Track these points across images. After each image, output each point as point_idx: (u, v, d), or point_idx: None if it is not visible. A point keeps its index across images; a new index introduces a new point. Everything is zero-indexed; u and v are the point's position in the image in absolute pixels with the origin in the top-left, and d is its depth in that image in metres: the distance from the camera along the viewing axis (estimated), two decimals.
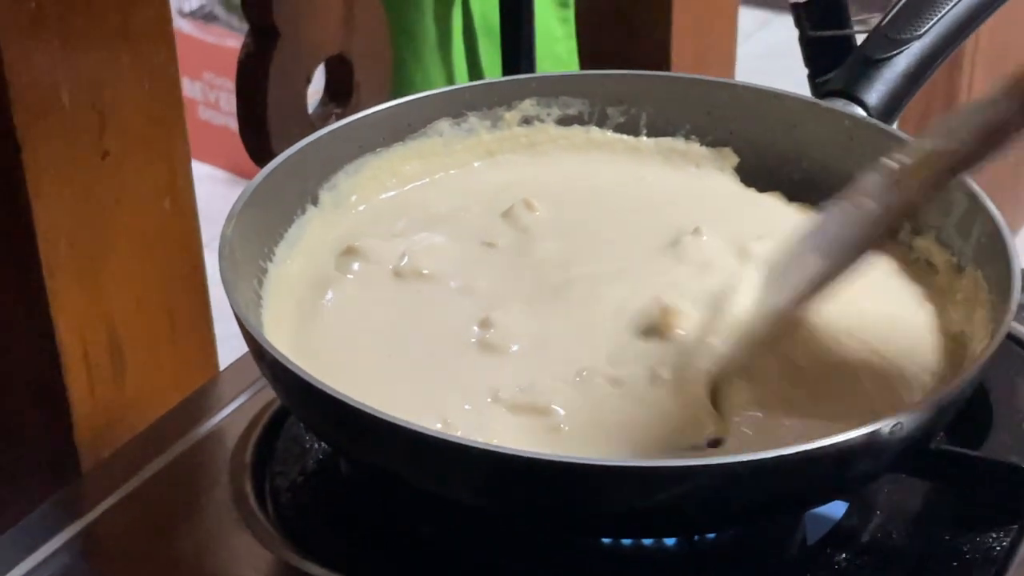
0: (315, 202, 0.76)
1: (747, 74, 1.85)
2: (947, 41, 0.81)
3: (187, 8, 2.65)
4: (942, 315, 0.70)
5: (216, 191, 2.54)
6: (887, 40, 0.80)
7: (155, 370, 0.90)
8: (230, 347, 0.83)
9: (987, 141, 0.61)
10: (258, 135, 0.99)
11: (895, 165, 0.64)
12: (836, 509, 0.68)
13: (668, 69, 1.23)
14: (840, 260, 0.65)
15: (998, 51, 2.08)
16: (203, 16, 2.62)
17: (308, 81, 1.01)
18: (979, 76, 2.03)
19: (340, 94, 1.04)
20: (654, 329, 0.67)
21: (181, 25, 2.64)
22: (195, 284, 0.91)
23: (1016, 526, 0.65)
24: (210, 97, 2.62)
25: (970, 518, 0.67)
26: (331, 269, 0.72)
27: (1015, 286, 0.64)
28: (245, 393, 0.77)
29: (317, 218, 0.75)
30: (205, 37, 2.58)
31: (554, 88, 0.82)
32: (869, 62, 0.80)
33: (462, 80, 1.11)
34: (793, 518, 0.66)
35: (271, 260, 0.72)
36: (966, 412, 0.68)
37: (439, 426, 0.61)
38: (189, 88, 2.64)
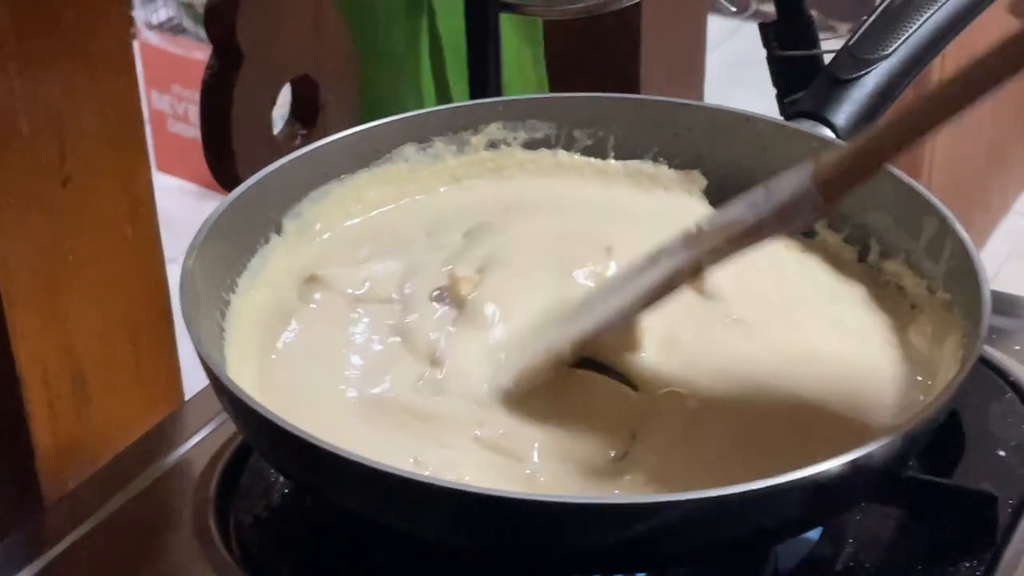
0: (279, 231, 0.75)
1: (717, 84, 1.85)
2: (914, 61, 0.80)
3: (155, 20, 2.64)
4: (910, 342, 0.69)
5: (185, 203, 2.53)
6: (855, 60, 0.80)
7: (119, 400, 0.89)
8: (198, 373, 0.82)
9: (779, 221, 0.63)
10: (223, 157, 0.98)
11: (693, 231, 0.65)
12: (809, 537, 0.67)
13: (637, 88, 1.22)
14: (632, 306, 0.66)
15: (966, 54, 2.09)
16: (171, 28, 2.61)
17: (273, 102, 1.00)
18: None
19: (306, 115, 1.03)
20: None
21: (149, 37, 2.63)
22: (159, 311, 0.90)
23: (989, 554, 0.65)
24: (179, 110, 2.60)
25: (943, 546, 0.66)
26: (294, 299, 0.71)
27: (985, 311, 0.64)
28: (211, 424, 0.76)
29: (281, 247, 0.74)
30: (173, 49, 2.57)
31: (520, 112, 0.81)
32: (837, 82, 0.80)
33: (430, 99, 1.10)
34: (765, 549, 0.66)
35: (234, 291, 0.71)
36: (939, 438, 0.67)
37: (411, 462, 0.61)
38: (158, 101, 2.63)
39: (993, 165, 2.38)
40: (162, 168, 2.67)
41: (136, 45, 2.69)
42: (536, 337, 0.67)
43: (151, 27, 2.63)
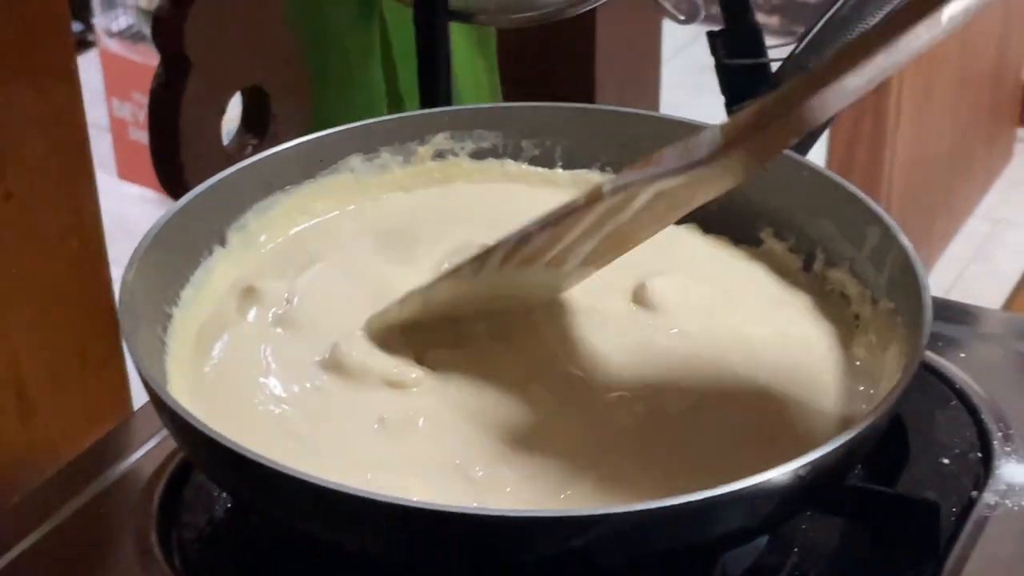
0: (223, 243, 0.74)
1: (676, 90, 1.85)
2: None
3: (115, 28, 2.62)
4: (854, 352, 0.69)
5: (145, 211, 2.52)
6: (801, 68, 0.80)
7: (65, 413, 0.88)
8: None
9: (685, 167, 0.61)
10: (171, 167, 0.98)
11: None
12: (755, 546, 0.67)
13: (592, 96, 1.22)
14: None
15: (925, 70, 2.10)
16: (131, 36, 2.59)
17: (222, 112, 0.99)
18: (907, 96, 2.04)
19: (257, 125, 1.03)
20: None
21: (109, 45, 2.61)
22: (106, 323, 0.89)
23: (932, 563, 0.65)
24: (140, 117, 2.59)
25: (887, 554, 0.66)
26: (232, 312, 0.71)
27: (926, 320, 0.64)
28: (156, 437, 0.75)
29: (225, 259, 0.74)
30: (133, 57, 2.55)
31: (467, 121, 0.81)
32: None
33: (382, 109, 1.09)
34: (711, 559, 0.66)
35: (176, 304, 0.70)
36: (884, 445, 0.67)
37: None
38: (119, 108, 2.61)
39: (955, 169, 2.40)
40: (123, 176, 2.66)
41: (96, 53, 2.68)
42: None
43: (111, 35, 2.61)
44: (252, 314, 0.71)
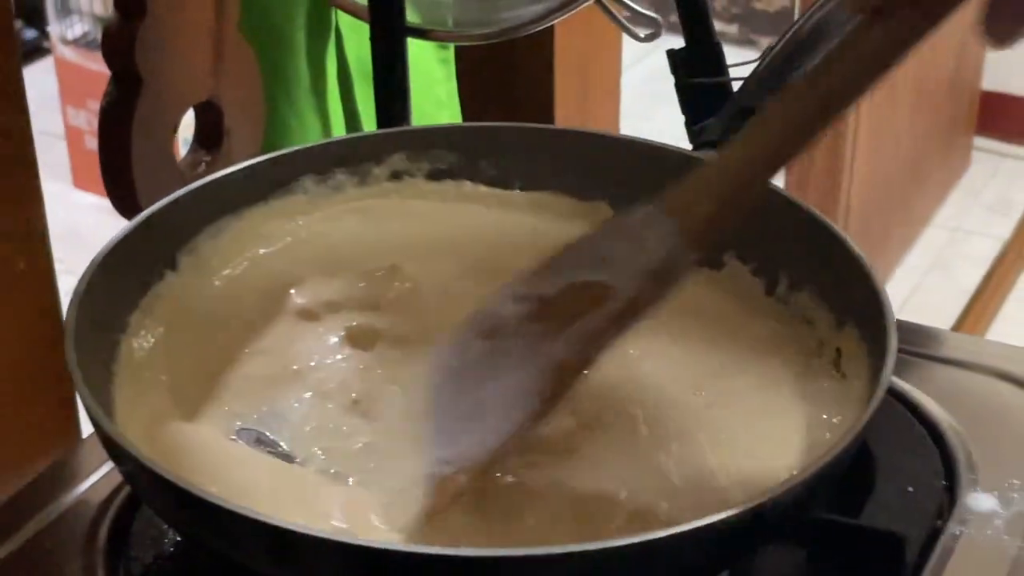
0: (173, 267, 0.72)
1: (637, 99, 1.85)
2: None
3: (70, 36, 2.60)
4: (817, 379, 0.68)
5: (101, 220, 2.48)
6: (762, 88, 0.79)
7: (10, 439, 0.86)
8: None
9: (656, 287, 0.57)
10: (123, 185, 0.95)
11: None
12: None
13: (552, 111, 1.21)
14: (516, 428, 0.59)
15: (882, 92, 2.10)
16: (86, 44, 2.57)
17: (175, 129, 0.97)
18: (865, 105, 2.04)
19: (210, 141, 1.01)
20: None
21: (64, 53, 2.58)
22: (54, 345, 0.86)
23: None
24: (95, 125, 2.54)
25: None
26: (188, 343, 0.69)
27: (891, 347, 0.63)
28: (105, 466, 0.74)
29: (176, 284, 0.72)
30: (89, 65, 2.53)
31: (424, 142, 0.79)
32: (744, 111, 0.79)
33: (338, 125, 1.08)
34: None
35: (124, 332, 0.68)
36: (850, 472, 0.66)
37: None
38: (74, 117, 2.59)
39: (912, 179, 2.40)
40: (79, 185, 2.63)
41: (51, 60, 2.65)
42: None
43: (66, 42, 2.59)
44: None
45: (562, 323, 0.57)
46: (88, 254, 0.90)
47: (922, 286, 2.38)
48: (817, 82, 0.55)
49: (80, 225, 2.04)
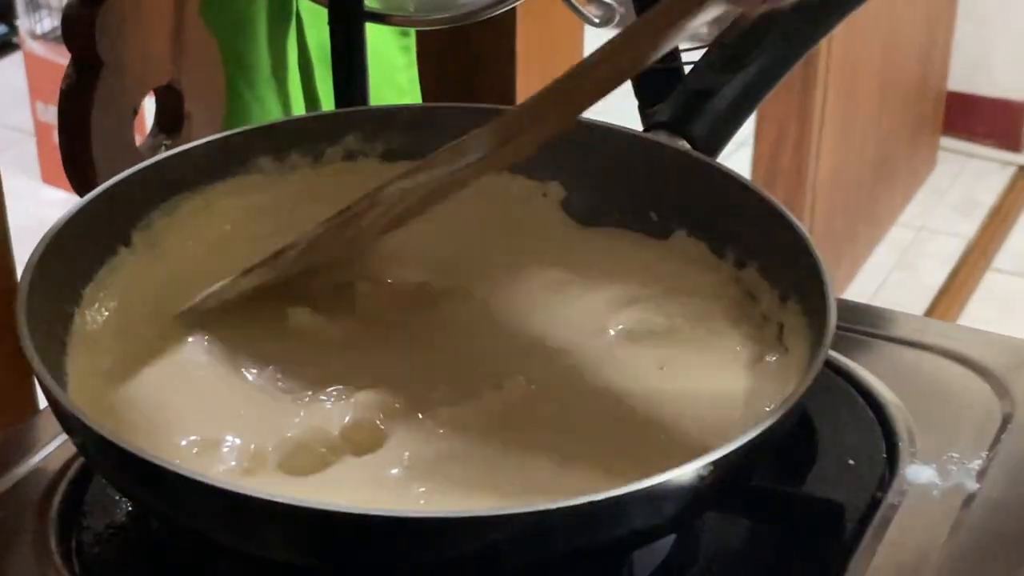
0: (127, 243, 0.73)
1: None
2: (770, 74, 0.81)
3: (39, 31, 2.59)
4: (762, 353, 0.69)
5: None
6: (711, 73, 0.80)
7: None
8: None
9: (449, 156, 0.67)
10: (82, 168, 0.96)
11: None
12: (662, 545, 0.67)
13: (513, 97, 1.22)
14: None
15: (849, 78, 2.12)
16: (55, 38, 2.57)
17: (135, 112, 0.98)
18: (831, 104, 2.06)
19: (170, 124, 1.01)
20: None
21: (33, 47, 2.58)
22: (9, 323, 0.87)
23: (837, 561, 0.65)
24: None
25: (793, 554, 0.66)
26: (143, 320, 0.70)
27: (830, 320, 0.64)
28: (60, 437, 0.74)
29: (129, 260, 0.73)
30: (58, 59, 2.52)
31: (378, 122, 0.80)
32: (694, 94, 0.80)
33: (299, 109, 1.09)
34: (617, 559, 0.65)
35: (78, 305, 0.69)
36: (793, 446, 0.68)
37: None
38: (43, 112, 2.58)
39: (878, 178, 2.42)
40: (47, 180, 2.63)
41: (20, 55, 2.65)
42: None
43: (35, 37, 2.58)
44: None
45: None
46: None
47: (887, 283, 2.40)
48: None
49: (49, 220, 2.02)
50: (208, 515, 0.58)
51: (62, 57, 2.48)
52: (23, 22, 2.62)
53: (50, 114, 2.58)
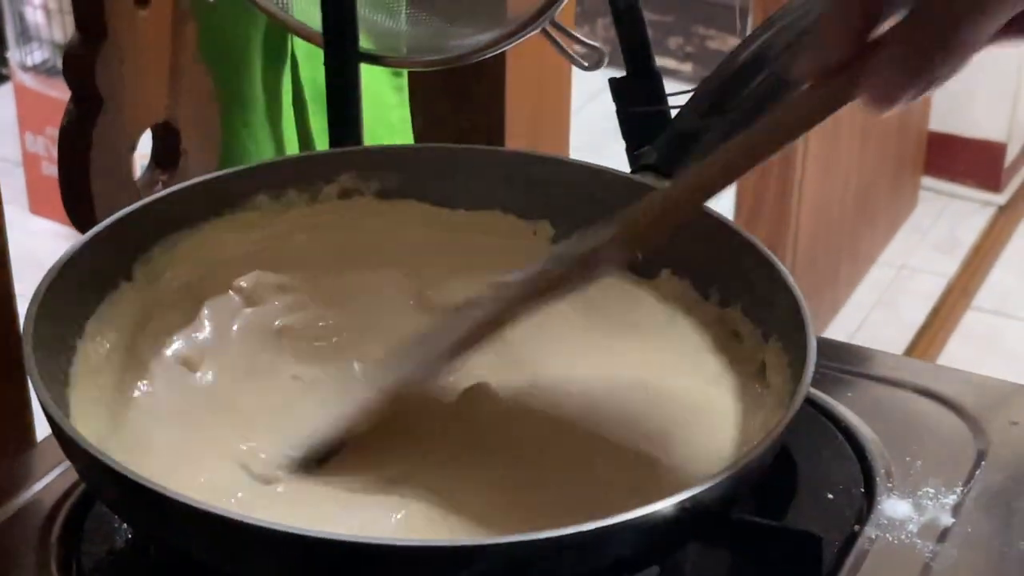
0: (128, 277, 0.75)
1: (589, 136, 1.88)
2: (755, 117, 0.83)
3: (30, 62, 2.61)
4: (749, 386, 0.72)
5: (57, 247, 2.47)
6: (698, 115, 0.82)
7: None
8: None
9: (581, 270, 0.66)
10: (81, 203, 0.98)
11: (504, 280, 0.68)
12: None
13: (502, 137, 1.24)
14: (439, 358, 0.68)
15: (831, 118, 2.14)
16: (46, 70, 2.59)
17: (133, 148, 1.00)
18: (813, 143, 2.09)
19: (167, 160, 1.04)
20: None
21: (24, 79, 2.60)
22: (10, 355, 0.89)
23: None
24: (52, 152, 2.57)
25: None
26: (144, 348, 0.72)
27: (810, 358, 0.66)
28: (58, 468, 0.76)
29: (131, 293, 0.75)
30: (48, 91, 2.55)
31: (373, 161, 0.82)
32: (681, 136, 0.82)
33: (292, 148, 1.11)
34: None
35: (80, 337, 0.71)
36: (774, 480, 0.70)
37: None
38: (32, 143, 2.60)
39: (860, 217, 2.45)
40: (35, 211, 2.64)
41: (10, 87, 2.67)
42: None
43: (26, 69, 2.60)
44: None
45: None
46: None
47: (868, 321, 2.42)
48: (752, 133, 0.65)
49: (36, 251, 2.04)
50: (208, 542, 0.59)
51: (52, 89, 2.52)
52: (13, 54, 2.64)
53: (39, 145, 2.59)
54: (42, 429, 0.95)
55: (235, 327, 0.74)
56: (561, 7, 0.90)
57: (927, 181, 2.73)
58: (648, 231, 0.66)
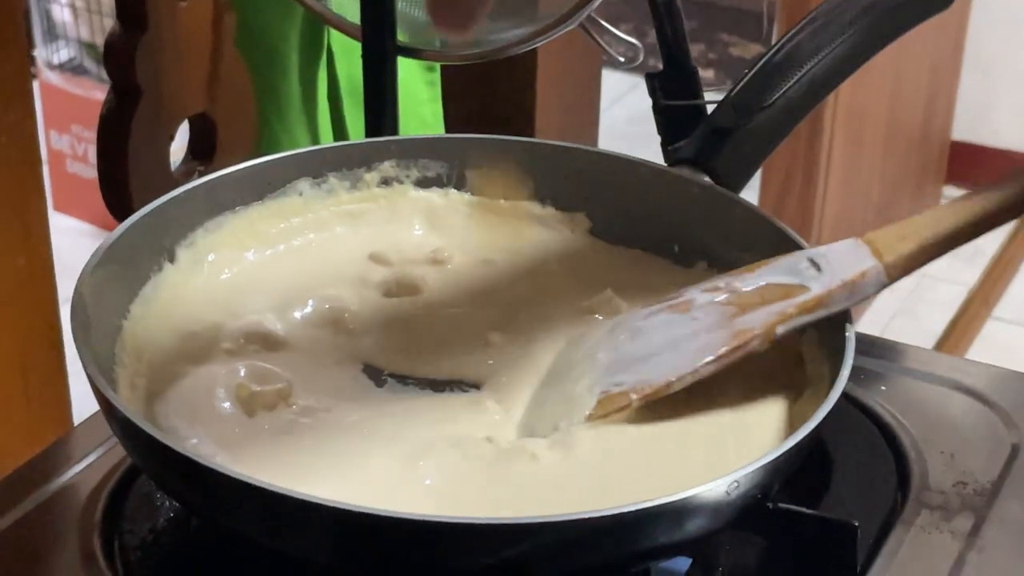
0: (172, 259, 0.76)
1: (614, 137, 1.89)
2: (793, 113, 0.84)
3: (56, 60, 2.63)
4: (792, 379, 0.72)
5: (81, 244, 2.51)
6: (734, 111, 0.83)
7: (5, 427, 0.89)
8: (88, 405, 0.83)
9: (847, 295, 0.70)
10: (119, 193, 0.99)
11: (720, 285, 0.70)
12: (679, 565, 0.69)
13: (532, 133, 1.25)
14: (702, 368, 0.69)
15: (856, 126, 2.15)
16: (72, 69, 2.60)
17: (171, 139, 1.01)
18: (837, 152, 2.09)
19: (203, 152, 1.05)
20: None
21: (49, 77, 2.62)
22: (51, 341, 0.90)
23: None
24: (78, 150, 2.59)
25: (807, 574, 0.69)
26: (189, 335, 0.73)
27: (848, 352, 0.67)
28: (99, 449, 0.77)
29: (174, 276, 0.76)
30: (73, 90, 2.56)
31: (414, 150, 0.83)
32: (717, 131, 0.83)
33: (327, 139, 1.12)
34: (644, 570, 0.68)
35: (126, 318, 0.72)
36: (809, 470, 0.70)
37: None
38: (57, 141, 2.62)
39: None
40: (59, 208, 2.66)
41: (36, 85, 2.68)
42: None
43: (52, 67, 2.62)
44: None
45: (750, 307, 0.69)
46: (69, 276, 0.94)
47: (889, 329, 2.42)
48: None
49: (60, 248, 2.06)
50: (251, 515, 0.60)
51: (78, 87, 2.53)
52: (40, 52, 2.66)
53: (64, 143, 2.61)
54: (79, 414, 0.96)
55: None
56: (598, 2, 0.91)
57: (949, 190, 2.73)
58: (907, 265, 0.71)
